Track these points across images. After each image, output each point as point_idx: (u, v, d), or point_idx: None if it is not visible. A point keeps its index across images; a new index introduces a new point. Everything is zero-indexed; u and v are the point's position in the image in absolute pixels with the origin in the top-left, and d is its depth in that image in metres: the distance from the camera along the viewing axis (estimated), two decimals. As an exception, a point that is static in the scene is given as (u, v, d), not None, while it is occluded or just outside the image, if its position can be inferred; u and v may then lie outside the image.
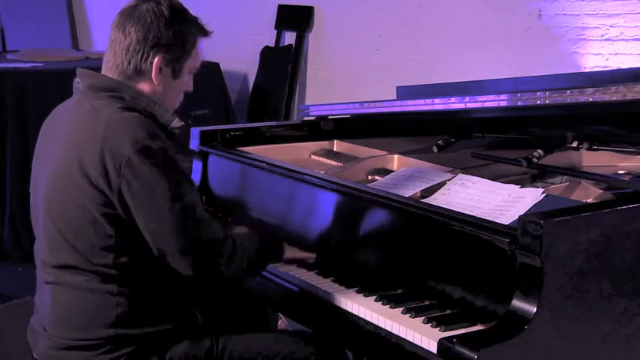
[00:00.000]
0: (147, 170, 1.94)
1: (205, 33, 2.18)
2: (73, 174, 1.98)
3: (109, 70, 2.10)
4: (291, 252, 2.32)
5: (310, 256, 2.34)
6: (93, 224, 1.98)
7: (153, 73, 2.09)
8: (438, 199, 2.30)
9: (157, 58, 2.08)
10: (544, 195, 2.19)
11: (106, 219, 1.97)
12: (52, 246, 2.07)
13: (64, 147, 2.04)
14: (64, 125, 2.08)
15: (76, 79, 2.13)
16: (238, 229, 2.44)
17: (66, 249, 2.02)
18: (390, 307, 2.03)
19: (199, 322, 2.20)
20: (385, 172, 2.67)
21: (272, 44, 5.79)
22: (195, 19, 2.16)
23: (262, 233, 2.33)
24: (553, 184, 2.47)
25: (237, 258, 2.08)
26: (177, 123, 2.12)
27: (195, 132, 2.91)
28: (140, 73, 2.08)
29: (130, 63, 2.07)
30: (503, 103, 2.46)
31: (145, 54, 2.07)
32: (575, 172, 2.54)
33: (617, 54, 4.04)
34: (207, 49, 2.24)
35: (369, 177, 2.69)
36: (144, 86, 2.10)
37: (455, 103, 2.59)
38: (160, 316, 2.08)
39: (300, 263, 2.33)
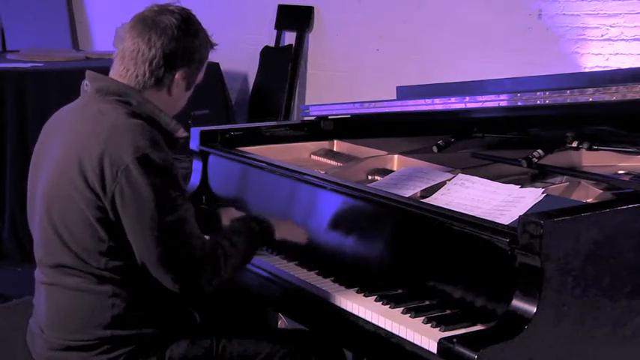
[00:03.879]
0: (142, 181, 1.93)
1: (212, 45, 2.21)
2: (72, 175, 1.99)
3: (123, 77, 2.09)
4: (281, 230, 2.31)
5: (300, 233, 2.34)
6: (88, 227, 1.98)
7: (172, 87, 2.11)
8: (438, 199, 2.30)
9: (178, 73, 2.10)
10: (544, 195, 2.19)
11: (100, 223, 1.97)
12: (47, 245, 2.07)
13: (66, 147, 2.04)
14: (69, 126, 2.08)
15: (84, 82, 2.13)
16: (229, 213, 2.42)
17: (61, 249, 2.02)
18: (390, 307, 2.03)
19: (197, 323, 2.21)
20: (385, 172, 2.67)
21: (272, 44, 5.78)
22: (205, 30, 2.18)
23: (252, 223, 2.26)
24: (553, 184, 2.46)
25: (222, 273, 2.06)
26: (182, 133, 2.14)
27: (195, 132, 2.91)
28: (159, 85, 2.09)
29: (152, 75, 2.07)
30: (503, 103, 2.47)
31: (169, 68, 2.08)
32: (575, 172, 2.54)
33: (617, 54, 4.04)
34: (206, 49, 2.24)
35: (369, 177, 2.69)
36: (156, 95, 2.10)
37: (455, 103, 2.59)
38: (157, 317, 2.08)
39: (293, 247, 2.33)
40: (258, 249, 2.25)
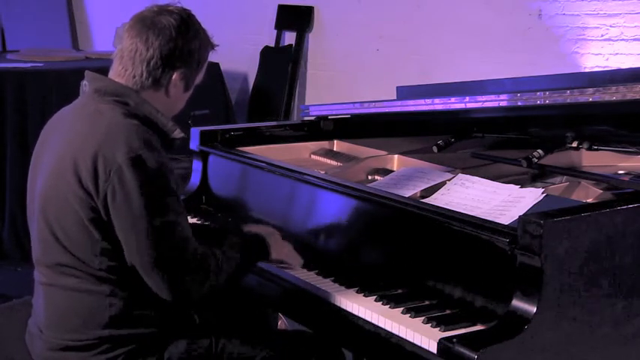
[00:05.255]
0: (133, 181, 1.92)
1: (213, 46, 2.20)
2: (67, 175, 1.98)
3: (121, 77, 2.08)
4: (279, 252, 2.29)
5: (298, 261, 2.32)
6: (82, 227, 1.98)
7: (169, 87, 2.10)
8: (438, 199, 2.30)
9: (176, 74, 2.09)
10: (544, 195, 2.19)
11: (93, 224, 1.97)
12: (45, 245, 2.07)
13: (64, 148, 2.03)
14: (68, 126, 2.08)
15: (84, 82, 2.13)
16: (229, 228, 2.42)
17: (58, 249, 2.02)
18: (390, 307, 2.03)
19: (196, 323, 2.20)
20: (385, 172, 2.67)
21: (272, 44, 5.78)
22: (205, 31, 2.17)
23: (247, 236, 2.26)
24: (553, 184, 2.46)
25: (212, 282, 2.04)
26: (178, 134, 2.13)
27: (195, 132, 2.91)
28: (157, 85, 2.09)
29: (149, 75, 2.07)
30: (503, 103, 2.47)
31: (167, 69, 2.07)
32: (575, 172, 2.54)
33: (617, 54, 4.04)
34: (207, 50, 2.24)
35: (369, 177, 2.69)
36: (154, 96, 2.09)
37: (455, 103, 2.59)
38: (155, 317, 2.07)
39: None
40: (254, 265, 2.24)
